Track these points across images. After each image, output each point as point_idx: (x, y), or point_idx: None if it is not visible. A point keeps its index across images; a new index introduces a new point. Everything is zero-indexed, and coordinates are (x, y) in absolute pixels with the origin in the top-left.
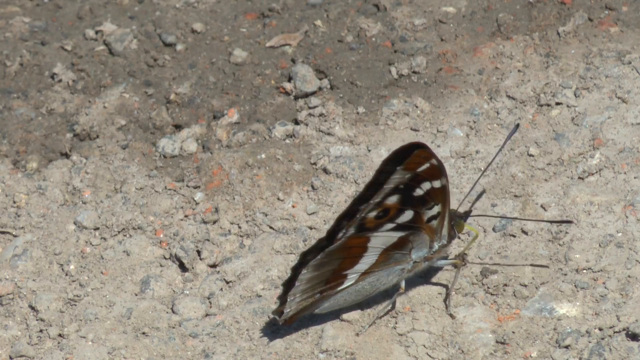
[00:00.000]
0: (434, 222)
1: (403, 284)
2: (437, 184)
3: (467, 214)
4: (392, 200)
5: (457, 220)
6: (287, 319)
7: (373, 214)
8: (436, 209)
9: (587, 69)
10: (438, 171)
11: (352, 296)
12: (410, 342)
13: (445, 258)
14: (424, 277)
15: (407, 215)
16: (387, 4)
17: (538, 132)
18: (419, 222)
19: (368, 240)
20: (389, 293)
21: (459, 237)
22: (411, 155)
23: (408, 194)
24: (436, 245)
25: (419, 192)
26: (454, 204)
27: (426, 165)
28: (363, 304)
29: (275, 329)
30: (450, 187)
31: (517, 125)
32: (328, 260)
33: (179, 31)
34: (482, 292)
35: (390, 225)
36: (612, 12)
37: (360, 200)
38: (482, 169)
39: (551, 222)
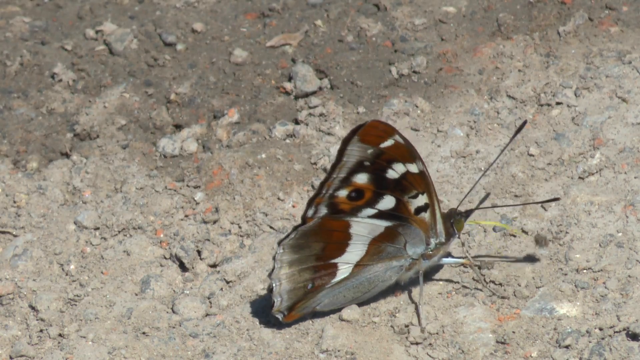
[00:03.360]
0: (425, 215)
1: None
2: (413, 168)
3: (469, 212)
4: (362, 179)
5: (457, 218)
6: (285, 312)
7: (343, 192)
8: (422, 200)
9: (588, 68)
10: (407, 152)
11: (351, 292)
12: (411, 342)
13: (447, 256)
14: (416, 280)
15: (388, 201)
16: (387, 3)
17: (538, 132)
18: (405, 212)
19: (348, 225)
20: (407, 283)
21: (459, 237)
22: (365, 126)
23: (380, 175)
24: (433, 242)
25: (392, 174)
26: (453, 204)
27: (390, 142)
28: (363, 304)
29: (275, 328)
30: (450, 187)
31: (525, 122)
32: (305, 242)
33: (179, 31)
34: (482, 292)
35: (371, 211)
36: (612, 12)
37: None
38: (483, 168)
39: (540, 202)
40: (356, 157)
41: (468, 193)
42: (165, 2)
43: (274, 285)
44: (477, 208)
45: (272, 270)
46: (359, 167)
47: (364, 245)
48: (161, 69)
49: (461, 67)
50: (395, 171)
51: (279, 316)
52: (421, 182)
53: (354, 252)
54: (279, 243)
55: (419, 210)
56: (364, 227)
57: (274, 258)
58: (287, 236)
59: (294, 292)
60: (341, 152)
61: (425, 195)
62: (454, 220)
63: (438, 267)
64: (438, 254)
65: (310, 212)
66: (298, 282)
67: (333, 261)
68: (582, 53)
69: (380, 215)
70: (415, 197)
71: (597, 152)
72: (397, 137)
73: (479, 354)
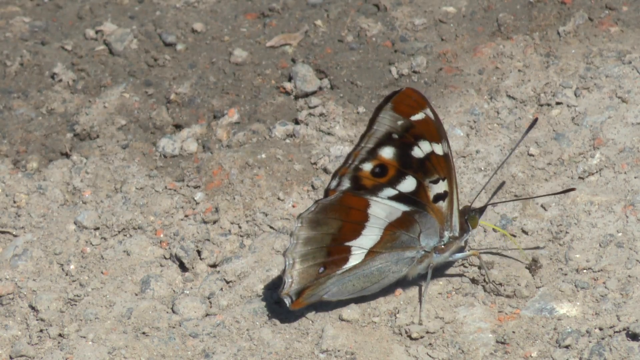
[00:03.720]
0: (443, 205)
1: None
2: (438, 149)
3: (483, 209)
4: (388, 153)
5: (471, 214)
6: (293, 297)
7: (368, 166)
8: (442, 186)
9: (587, 68)
10: (436, 130)
11: (360, 282)
12: (411, 341)
13: (460, 252)
14: (424, 276)
15: (410, 183)
16: (387, 3)
17: (538, 132)
18: (423, 198)
19: (367, 204)
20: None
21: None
22: (399, 94)
23: (406, 151)
24: (446, 236)
25: (418, 152)
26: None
27: (420, 115)
28: (363, 304)
29: (275, 328)
30: None
31: (536, 119)
32: (324, 217)
33: (179, 31)
34: (482, 292)
35: (391, 192)
36: (612, 12)
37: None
38: (483, 168)
39: (556, 193)
40: (386, 126)
41: (480, 191)
42: (165, 2)
43: (287, 263)
44: (489, 203)
45: (287, 247)
46: (386, 139)
47: (380, 229)
48: (161, 69)
49: (461, 67)
50: (421, 149)
51: (287, 301)
52: (444, 166)
53: (369, 236)
54: (298, 216)
55: (438, 198)
56: (382, 209)
57: (291, 234)
58: (308, 209)
59: (305, 273)
60: (372, 121)
61: (445, 181)
62: (469, 216)
63: (443, 266)
64: (450, 248)
65: (333, 184)
66: (311, 264)
67: (347, 244)
68: (582, 53)
69: (400, 198)
70: (436, 182)
71: (597, 152)
72: (428, 111)
73: (479, 354)
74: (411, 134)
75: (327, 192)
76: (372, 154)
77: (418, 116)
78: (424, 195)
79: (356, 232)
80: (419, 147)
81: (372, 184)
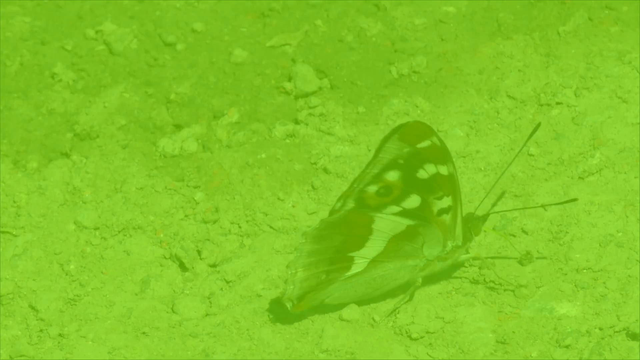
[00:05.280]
0: (446, 218)
1: (420, 278)
2: (443, 170)
3: (486, 217)
4: (393, 176)
5: (475, 222)
6: (294, 301)
7: (373, 188)
8: (446, 202)
9: (588, 68)
10: (442, 154)
11: (362, 287)
12: (411, 341)
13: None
14: (427, 279)
15: (414, 201)
16: (387, 3)
17: (538, 132)
18: (427, 213)
19: (372, 220)
20: (403, 289)
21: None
22: (406, 125)
23: (411, 174)
24: (449, 245)
25: (423, 174)
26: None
27: (427, 143)
28: (363, 304)
29: (275, 328)
30: None
31: (539, 124)
32: (328, 233)
33: (179, 31)
34: (482, 292)
35: (396, 209)
36: (612, 11)
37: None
38: (483, 168)
39: (558, 203)
40: (392, 154)
41: (484, 199)
42: (165, 1)
43: (289, 273)
44: (493, 212)
45: (291, 260)
46: (392, 165)
47: (384, 241)
48: (161, 69)
49: (461, 67)
50: (426, 171)
51: (288, 305)
52: (449, 184)
53: (372, 247)
54: (303, 233)
55: (441, 211)
56: (386, 224)
57: (295, 249)
58: (312, 227)
59: (307, 281)
60: (379, 150)
61: (450, 197)
62: (472, 224)
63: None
64: (453, 256)
65: (338, 205)
66: (313, 272)
67: (350, 254)
68: (582, 53)
69: (404, 213)
70: (440, 198)
71: (597, 152)
72: (434, 139)
73: (479, 354)
74: (417, 159)
75: (332, 212)
76: (378, 177)
77: (424, 144)
78: (428, 210)
79: (359, 245)
80: (424, 169)
81: (377, 203)
